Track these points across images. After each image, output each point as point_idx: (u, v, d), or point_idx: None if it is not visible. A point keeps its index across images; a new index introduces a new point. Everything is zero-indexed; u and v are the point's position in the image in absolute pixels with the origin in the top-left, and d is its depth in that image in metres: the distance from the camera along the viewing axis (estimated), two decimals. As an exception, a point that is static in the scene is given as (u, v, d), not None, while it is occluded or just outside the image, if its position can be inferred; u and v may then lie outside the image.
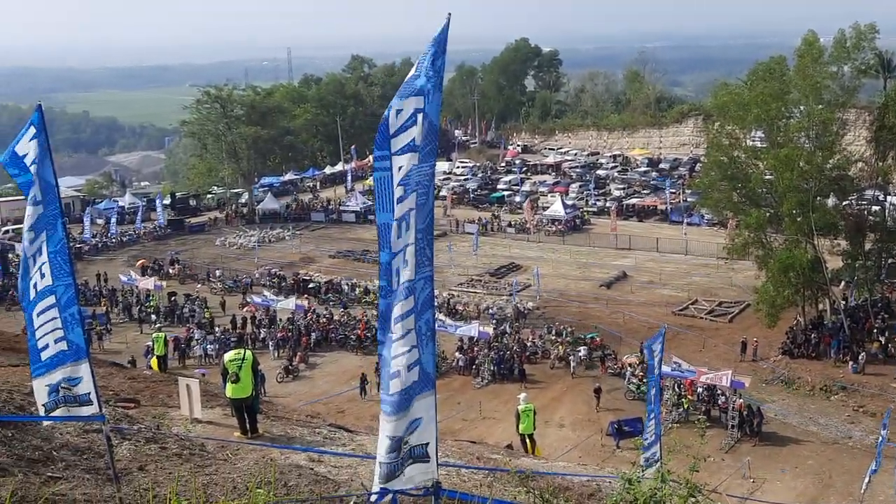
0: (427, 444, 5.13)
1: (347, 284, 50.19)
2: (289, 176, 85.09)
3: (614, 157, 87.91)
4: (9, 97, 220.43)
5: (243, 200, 78.06)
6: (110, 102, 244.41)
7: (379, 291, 5.11)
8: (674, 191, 68.99)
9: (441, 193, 69.58)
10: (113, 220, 66.41)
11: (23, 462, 7.77)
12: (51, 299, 7.36)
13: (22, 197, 7.91)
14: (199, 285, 52.27)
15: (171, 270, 55.06)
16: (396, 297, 4.92)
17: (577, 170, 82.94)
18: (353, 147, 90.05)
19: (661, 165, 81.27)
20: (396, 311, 4.92)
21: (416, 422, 5.08)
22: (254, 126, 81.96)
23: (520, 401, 20.68)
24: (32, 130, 7.49)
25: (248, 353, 12.48)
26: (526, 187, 76.17)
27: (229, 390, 11.97)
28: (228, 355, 12.43)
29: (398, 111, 4.86)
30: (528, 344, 39.84)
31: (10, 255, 52.05)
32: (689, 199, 66.24)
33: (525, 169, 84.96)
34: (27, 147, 7.52)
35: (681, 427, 30.49)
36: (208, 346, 39.28)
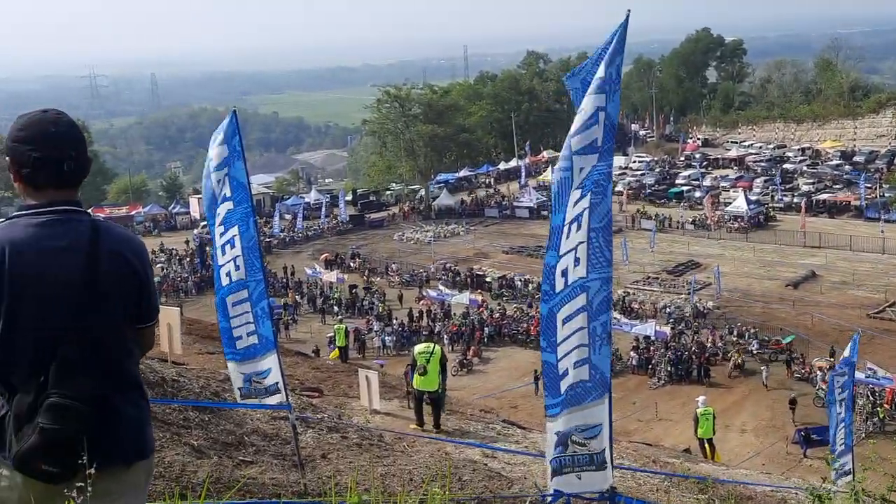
0: (603, 450, 5.03)
1: (521, 280, 50.30)
2: (464, 172, 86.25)
3: (803, 150, 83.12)
4: (208, 100, 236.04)
5: (420, 196, 79.87)
6: (298, 103, 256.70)
7: (541, 296, 5.06)
8: (870, 185, 64.47)
9: (617, 189, 68.44)
10: (300, 215, 69.59)
11: (217, 445, 8.28)
12: (244, 293, 7.81)
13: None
14: (378, 278, 53.97)
15: (352, 264, 57.17)
16: (563, 298, 4.84)
17: (762, 164, 79.08)
18: (527, 143, 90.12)
19: (856, 158, 76.08)
20: (564, 311, 4.84)
21: (596, 428, 4.98)
22: (431, 124, 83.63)
23: (698, 403, 20.04)
24: (221, 136, 8.00)
25: (438, 347, 12.83)
26: (707, 182, 73.51)
27: (416, 381, 12.33)
28: (418, 347, 12.83)
29: (581, 110, 4.80)
30: (708, 345, 38.48)
31: (207, 249, 55.70)
32: (887, 195, 61.77)
33: (706, 163, 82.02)
34: (214, 152, 8.04)
35: (877, 439, 28.50)
36: (386, 338, 40.52)
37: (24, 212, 2.61)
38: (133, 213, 73.58)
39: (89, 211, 2.75)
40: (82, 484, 2.39)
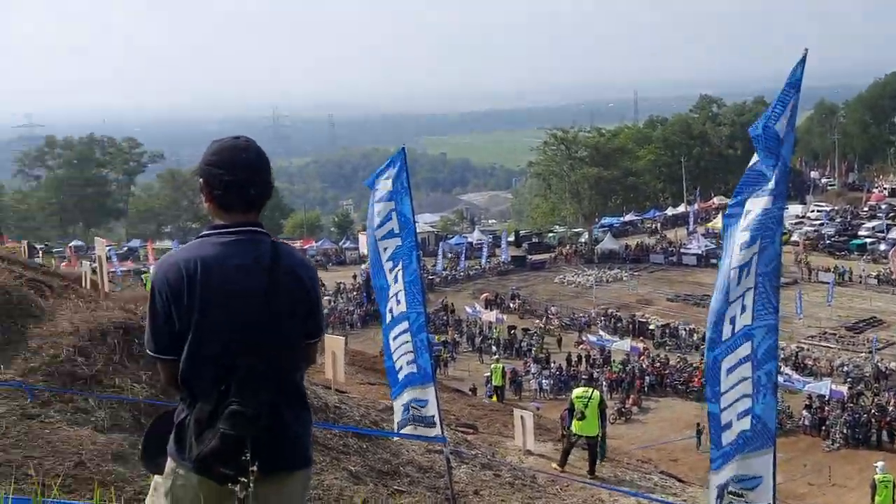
0: (766, 505, 4.81)
1: (685, 329, 48.75)
2: (629, 217, 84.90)
3: None
4: (381, 141, 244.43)
5: (583, 240, 79.18)
6: (465, 145, 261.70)
7: (706, 344, 4.93)
8: None
9: (793, 238, 65.35)
10: (462, 254, 70.51)
11: (374, 473, 8.48)
12: (404, 325, 8.01)
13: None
14: (536, 320, 53.74)
15: (511, 305, 57.24)
16: (729, 346, 4.70)
17: (955, 217, 73.51)
18: (696, 188, 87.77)
19: None
20: (729, 360, 4.70)
21: (755, 480, 4.79)
22: (597, 167, 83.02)
23: (877, 470, 18.69)
24: (392, 171, 8.28)
25: (596, 392, 12.69)
26: (893, 235, 68.94)
27: (575, 426, 12.22)
28: (576, 392, 12.73)
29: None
30: (890, 408, 35.80)
31: (373, 284, 57.35)
32: None
33: (892, 214, 77.00)
34: (383, 184, 8.33)
35: None
36: (543, 381, 40.18)
37: (212, 231, 2.83)
38: (306, 246, 76.95)
39: (267, 231, 2.96)
40: (250, 486, 2.55)
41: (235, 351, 2.71)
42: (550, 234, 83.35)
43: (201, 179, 2.89)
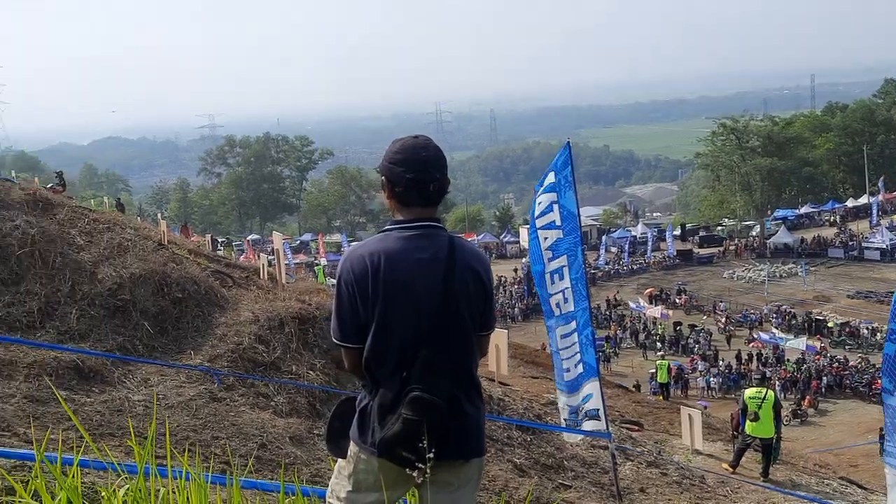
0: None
1: (867, 328, 45.85)
2: (805, 209, 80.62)
3: None
4: (542, 134, 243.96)
5: (754, 233, 75.92)
6: (629, 137, 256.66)
7: (888, 335, 4.68)
8: None
9: None
10: (625, 248, 69.32)
11: (538, 466, 8.54)
12: (572, 324, 7.99)
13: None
14: (704, 317, 52.10)
15: (677, 300, 55.77)
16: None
17: None
18: (881, 178, 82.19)
19: None
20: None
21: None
22: (770, 157, 79.37)
23: None
24: (556, 164, 8.26)
25: (770, 392, 12.22)
26: None
27: (749, 427, 11.83)
28: (748, 392, 12.31)
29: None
30: None
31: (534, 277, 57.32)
32: None
33: None
34: (547, 177, 8.31)
35: None
36: (711, 380, 38.90)
37: (394, 226, 2.97)
38: (468, 240, 77.82)
39: (444, 226, 3.07)
40: (427, 472, 2.66)
41: (417, 340, 2.84)
42: (719, 228, 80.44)
43: (383, 177, 3.02)
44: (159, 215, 33.89)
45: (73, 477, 2.73)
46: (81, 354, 7.86)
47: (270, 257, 17.10)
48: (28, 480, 2.77)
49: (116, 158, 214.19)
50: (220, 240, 51.03)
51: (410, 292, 2.85)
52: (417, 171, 2.92)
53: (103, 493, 2.82)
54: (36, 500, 2.65)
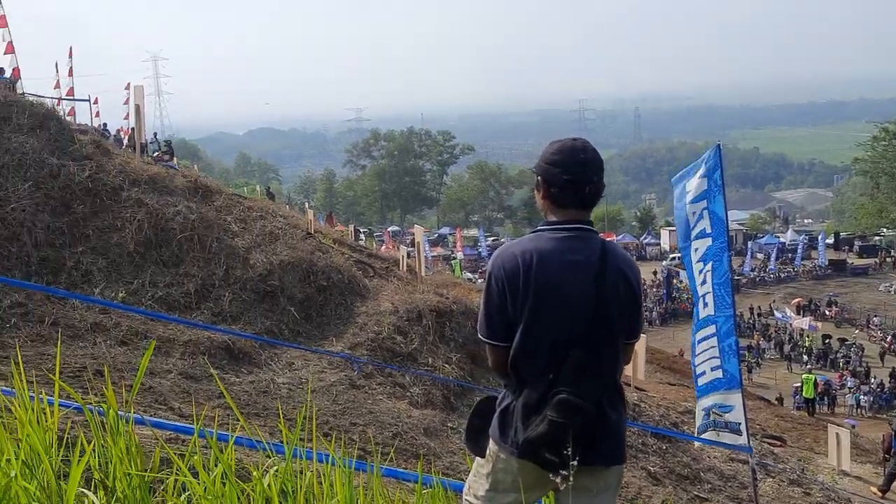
0: None
1: None
2: (975, 220, 75.04)
3: None
4: (688, 134, 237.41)
5: (917, 245, 71.41)
6: (780, 139, 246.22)
7: None
8: None
9: None
10: (773, 255, 66.62)
11: (673, 475, 8.35)
12: (711, 328, 7.77)
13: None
14: (856, 331, 49.42)
15: (827, 312, 53.14)
16: None
17: None
18: None
19: None
20: None
21: None
22: (937, 164, 74.31)
23: None
24: (702, 169, 8.03)
25: None
26: None
27: None
28: None
29: None
30: None
31: (674, 281, 55.93)
32: None
33: None
34: (692, 184, 8.08)
35: None
36: (861, 397, 36.87)
37: (548, 226, 2.97)
38: (607, 240, 76.75)
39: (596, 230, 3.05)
40: (571, 476, 2.66)
41: (566, 342, 2.82)
42: (877, 238, 75.98)
43: (539, 177, 3.03)
44: (306, 204, 35.04)
45: (227, 454, 2.87)
46: (233, 336, 8.26)
47: (410, 249, 17.41)
48: (184, 454, 2.93)
49: (268, 148, 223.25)
50: (362, 230, 52.37)
51: (562, 293, 2.84)
52: (575, 173, 2.90)
53: (253, 472, 2.96)
54: (192, 473, 2.80)
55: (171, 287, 9.14)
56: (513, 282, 2.87)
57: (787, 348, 46.03)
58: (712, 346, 7.84)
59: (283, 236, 11.25)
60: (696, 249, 8.03)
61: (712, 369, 7.88)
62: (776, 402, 27.68)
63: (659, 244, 73.96)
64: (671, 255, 67.91)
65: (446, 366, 9.72)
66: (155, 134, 27.01)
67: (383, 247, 41.67)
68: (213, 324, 8.67)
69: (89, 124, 23.22)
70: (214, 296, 9.31)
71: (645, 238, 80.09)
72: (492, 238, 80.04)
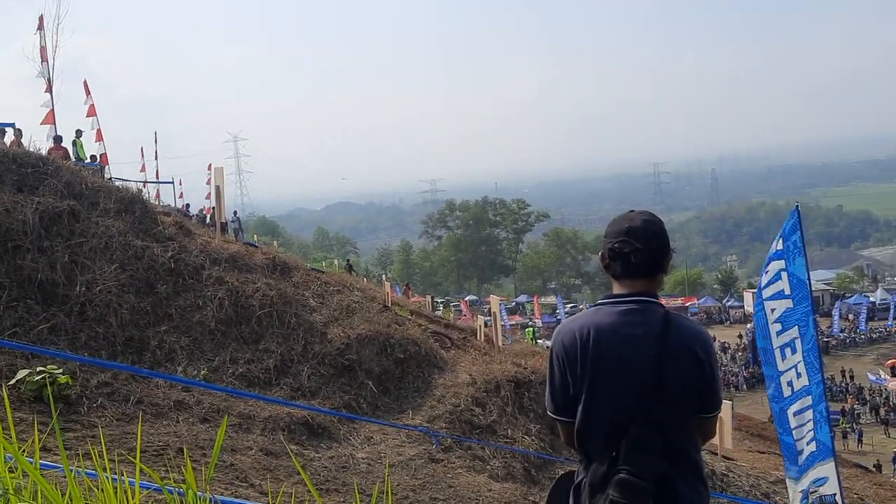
0: None
1: None
2: None
3: None
4: (767, 194, 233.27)
5: None
6: (864, 196, 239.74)
7: None
8: None
9: None
10: (862, 315, 64.33)
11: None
12: (807, 400, 7.48)
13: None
14: (959, 393, 46.99)
15: (924, 373, 50.77)
16: None
17: None
18: None
19: None
20: None
21: None
22: None
23: None
24: (784, 229, 7.85)
25: None
26: None
27: None
28: None
29: None
30: None
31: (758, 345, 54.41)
32: None
33: None
34: (775, 244, 7.90)
35: None
36: (967, 464, 34.88)
37: (607, 300, 2.96)
38: (688, 304, 75.37)
39: (661, 301, 3.01)
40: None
41: (624, 418, 2.79)
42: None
43: (600, 252, 3.04)
44: (383, 276, 35.44)
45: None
46: (312, 411, 8.33)
47: (487, 318, 17.38)
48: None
49: (346, 222, 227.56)
50: (439, 300, 52.54)
51: (618, 369, 2.81)
52: (619, 242, 2.90)
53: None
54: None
55: (250, 363, 9.31)
56: (572, 358, 2.87)
57: (882, 411, 44.03)
58: (809, 419, 7.55)
59: (360, 310, 11.38)
60: (773, 310, 7.79)
61: (808, 443, 7.58)
62: (874, 470, 26.35)
63: (742, 306, 72.06)
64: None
65: (526, 437, 9.60)
66: (235, 212, 27.82)
67: (461, 317, 41.67)
68: (292, 399, 8.76)
69: (173, 205, 24.08)
70: (293, 371, 9.43)
71: (727, 300, 78.29)
72: (570, 305, 79.40)
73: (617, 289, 2.96)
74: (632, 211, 3.04)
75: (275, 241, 34.26)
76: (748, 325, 61.85)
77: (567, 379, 2.89)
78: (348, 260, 44.62)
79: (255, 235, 37.75)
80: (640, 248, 2.89)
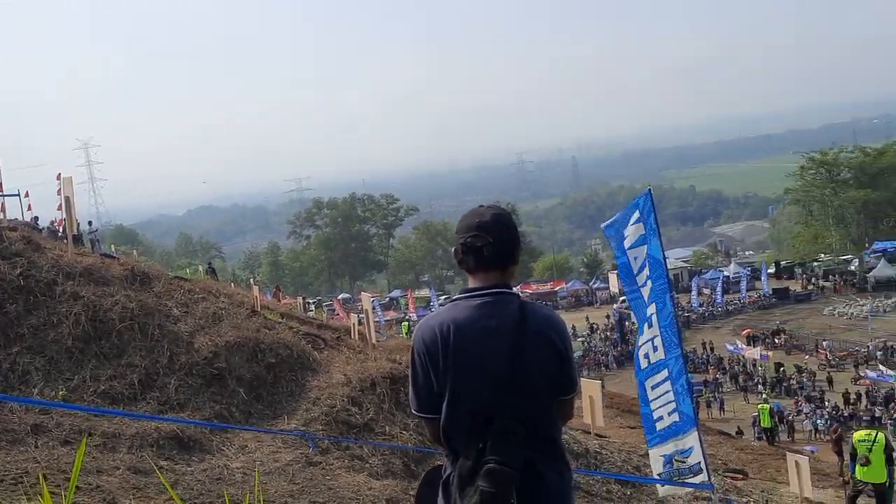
0: None
1: (983, 361, 43.47)
2: (906, 239, 77.47)
3: None
4: (626, 178, 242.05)
5: (853, 268, 73.25)
6: (715, 175, 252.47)
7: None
8: None
9: None
10: (718, 289, 67.73)
11: (639, 521, 8.32)
12: (664, 373, 7.82)
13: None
14: (806, 356, 50.22)
15: (776, 340, 53.98)
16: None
17: None
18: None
19: None
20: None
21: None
22: (863, 189, 76.91)
23: None
24: (636, 215, 8.17)
25: (881, 435, 11.66)
26: None
27: (859, 472, 11.31)
28: (858, 435, 11.78)
29: None
30: None
31: (626, 323, 56.46)
32: None
33: None
34: (629, 231, 8.22)
35: None
36: (818, 422, 37.33)
37: (463, 294, 2.99)
38: (556, 288, 77.48)
39: (517, 292, 3.06)
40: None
41: (489, 410, 2.83)
42: (815, 264, 77.97)
43: (453, 248, 3.08)
44: (251, 280, 34.73)
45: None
46: (181, 424, 8.07)
47: (361, 316, 17.32)
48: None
49: (210, 226, 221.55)
50: (310, 301, 51.92)
51: (478, 362, 2.85)
52: (470, 237, 2.95)
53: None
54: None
55: (113, 380, 8.92)
56: (433, 354, 2.90)
57: (741, 379, 46.50)
58: (667, 391, 7.87)
59: (228, 316, 11.11)
60: (644, 294, 8.12)
61: (669, 413, 7.91)
62: (736, 435, 27.84)
63: (608, 288, 74.66)
64: (621, 298, 68.48)
65: (404, 433, 9.60)
66: (90, 223, 26.61)
67: (335, 316, 41.34)
68: (159, 413, 8.46)
69: (20, 219, 22.76)
70: (160, 384, 9.10)
71: (594, 283, 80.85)
72: (444, 297, 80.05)
73: (472, 282, 3.00)
74: (481, 206, 3.09)
75: (134, 251, 32.97)
76: (614, 306, 64.09)
77: (430, 376, 2.91)
78: (210, 263, 43.38)
79: (113, 245, 36.20)
80: (491, 241, 2.94)
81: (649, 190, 8.31)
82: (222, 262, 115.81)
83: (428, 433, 3.07)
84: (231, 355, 9.83)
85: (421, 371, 2.94)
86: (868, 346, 49.55)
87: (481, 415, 2.82)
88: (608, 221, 8.56)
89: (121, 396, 8.75)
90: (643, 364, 7.93)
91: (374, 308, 23.59)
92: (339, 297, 79.83)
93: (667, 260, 8.28)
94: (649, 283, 7.94)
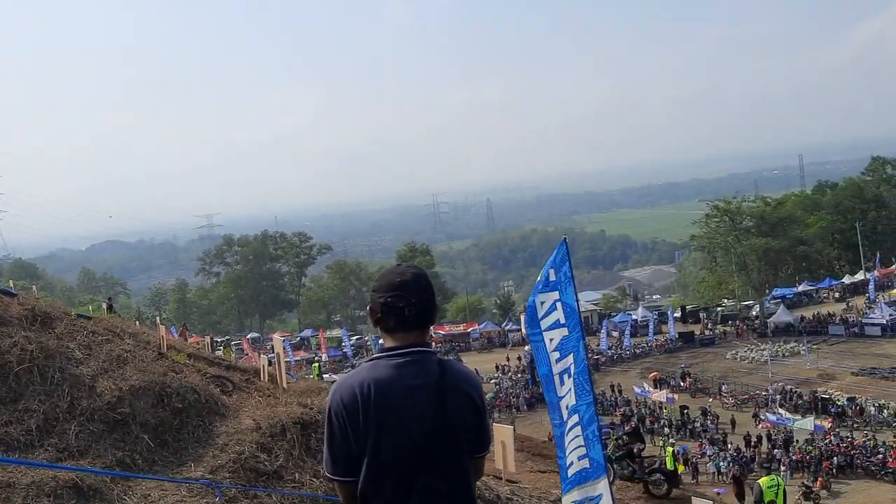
0: None
1: (874, 405, 45.34)
2: (803, 287, 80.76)
3: None
4: (538, 221, 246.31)
5: (754, 313, 75.89)
6: (624, 221, 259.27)
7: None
8: None
9: None
10: (627, 332, 69.14)
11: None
12: (575, 418, 7.90)
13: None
14: (710, 399, 51.53)
15: (682, 383, 55.27)
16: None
17: None
18: (876, 255, 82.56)
19: None
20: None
21: None
22: (764, 237, 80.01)
23: None
24: (550, 261, 8.30)
25: (780, 479, 12.05)
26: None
27: None
28: (764, 481, 12.12)
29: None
30: None
31: (535, 365, 57.06)
32: None
33: None
34: (543, 274, 8.34)
35: None
36: (721, 464, 38.25)
37: (383, 353, 2.96)
38: (469, 329, 77.79)
39: (434, 350, 3.06)
40: None
41: (413, 470, 2.80)
42: (719, 309, 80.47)
43: (369, 306, 3.04)
44: (157, 318, 33.77)
45: None
46: (80, 472, 7.73)
47: (271, 356, 17.01)
48: None
49: (114, 261, 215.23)
50: (218, 340, 50.78)
51: (402, 422, 2.83)
52: (392, 296, 2.92)
53: None
54: None
55: (8, 426, 8.48)
56: (353, 414, 2.85)
57: (647, 422, 47.35)
58: (577, 436, 7.95)
59: (133, 359, 10.73)
60: (552, 339, 8.17)
61: (579, 459, 7.97)
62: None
63: (520, 329, 75.33)
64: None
65: (314, 480, 9.39)
66: None
67: (244, 356, 40.51)
68: (57, 461, 8.07)
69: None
70: (59, 430, 8.70)
71: (506, 325, 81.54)
72: (356, 337, 79.46)
73: (390, 342, 2.97)
74: (399, 265, 3.10)
75: (34, 286, 31.70)
76: (526, 347, 64.62)
77: (349, 438, 2.86)
78: (109, 299, 42.00)
79: (11, 281, 34.76)
80: (413, 301, 2.93)
81: (565, 239, 8.44)
82: (127, 298, 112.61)
83: (342, 497, 2.99)
84: (136, 400, 9.48)
85: (339, 432, 2.88)
86: (768, 390, 51.16)
87: (406, 475, 2.79)
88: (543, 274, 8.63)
89: (17, 443, 8.32)
90: (564, 414, 7.98)
91: (284, 349, 23.20)
92: (248, 336, 78.38)
93: (580, 309, 8.39)
94: (564, 329, 8.02)
